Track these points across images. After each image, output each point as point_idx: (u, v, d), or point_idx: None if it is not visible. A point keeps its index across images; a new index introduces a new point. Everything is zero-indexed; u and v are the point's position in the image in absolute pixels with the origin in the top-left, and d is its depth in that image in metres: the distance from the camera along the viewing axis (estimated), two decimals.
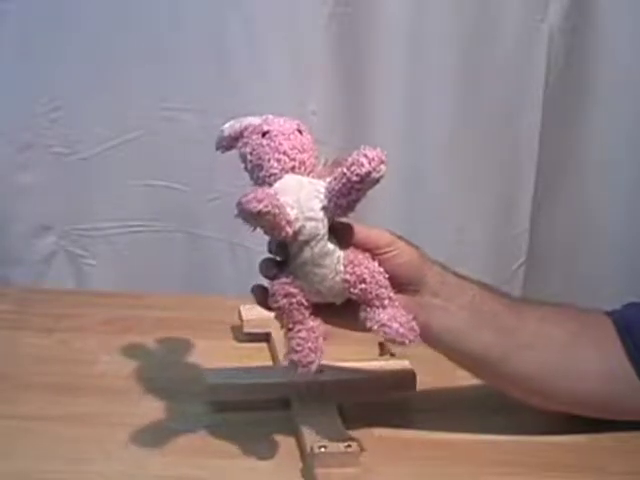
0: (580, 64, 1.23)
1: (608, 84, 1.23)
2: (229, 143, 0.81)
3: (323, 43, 1.21)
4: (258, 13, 1.19)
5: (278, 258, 0.79)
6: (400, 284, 0.78)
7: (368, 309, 0.77)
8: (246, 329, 1.04)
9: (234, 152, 1.16)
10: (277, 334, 1.01)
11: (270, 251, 0.79)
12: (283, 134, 0.78)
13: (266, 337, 1.03)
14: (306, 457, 0.81)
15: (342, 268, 0.77)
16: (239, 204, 0.73)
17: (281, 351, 0.97)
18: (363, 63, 1.22)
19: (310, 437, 0.83)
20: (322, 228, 0.76)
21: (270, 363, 0.99)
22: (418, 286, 0.80)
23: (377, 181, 0.74)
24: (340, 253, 0.77)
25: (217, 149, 0.82)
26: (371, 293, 0.77)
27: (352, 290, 0.77)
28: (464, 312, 0.81)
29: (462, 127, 1.25)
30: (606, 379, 0.85)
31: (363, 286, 0.77)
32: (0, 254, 1.26)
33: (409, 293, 0.79)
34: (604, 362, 0.85)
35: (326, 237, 0.77)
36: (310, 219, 0.76)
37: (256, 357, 1.00)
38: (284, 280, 0.77)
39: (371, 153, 0.73)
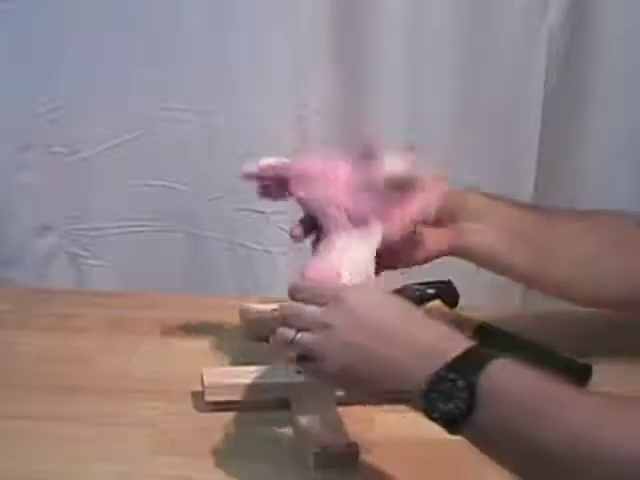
0: (580, 64, 1.23)
1: (608, 84, 1.23)
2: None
3: (323, 43, 1.21)
4: (258, 13, 1.19)
5: None
6: (444, 213, 0.88)
7: None
8: (247, 329, 1.03)
9: (233, 152, 1.18)
10: None
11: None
12: None
13: (266, 337, 1.02)
14: (306, 457, 0.81)
15: None
16: None
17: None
18: (363, 63, 1.22)
19: (310, 437, 0.83)
20: None
21: (270, 363, 0.99)
22: (460, 213, 0.88)
23: None
24: None
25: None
26: None
27: None
28: (500, 233, 0.88)
29: (462, 127, 1.25)
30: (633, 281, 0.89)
31: None
32: (0, 254, 1.26)
33: (453, 220, 0.88)
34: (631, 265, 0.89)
35: None
36: None
37: (256, 357, 1.00)
38: None
39: None
